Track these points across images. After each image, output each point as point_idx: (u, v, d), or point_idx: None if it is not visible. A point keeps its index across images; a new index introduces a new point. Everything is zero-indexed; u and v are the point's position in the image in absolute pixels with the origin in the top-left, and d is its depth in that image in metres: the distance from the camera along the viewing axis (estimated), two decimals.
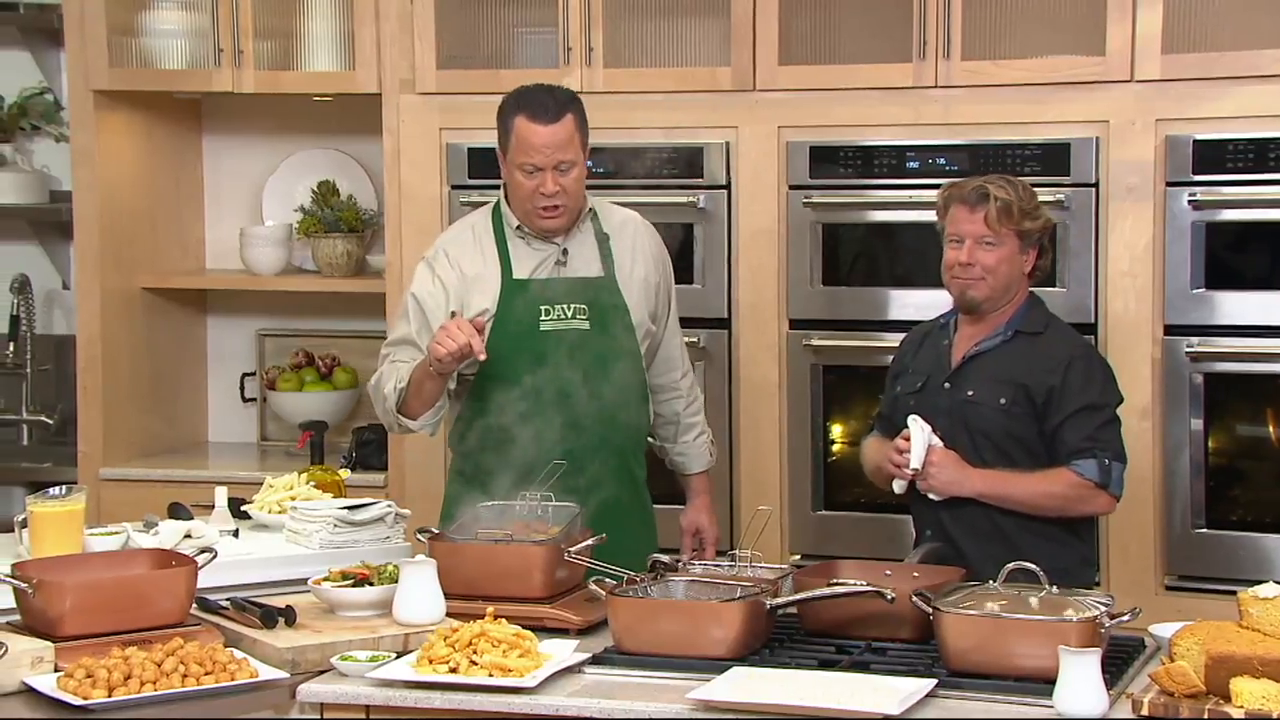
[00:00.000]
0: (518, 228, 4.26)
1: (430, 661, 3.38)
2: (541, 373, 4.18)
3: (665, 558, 3.75)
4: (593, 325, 4.26)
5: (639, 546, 4.09)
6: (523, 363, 4.18)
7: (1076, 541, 4.05)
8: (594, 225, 4.33)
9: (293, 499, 4.25)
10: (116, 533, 3.97)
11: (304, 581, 3.79)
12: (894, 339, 5.00)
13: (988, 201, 4.02)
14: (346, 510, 4.09)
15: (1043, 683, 3.23)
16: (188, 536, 4.03)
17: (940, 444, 3.99)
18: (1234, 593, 3.43)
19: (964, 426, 4.02)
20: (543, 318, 4.23)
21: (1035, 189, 4.13)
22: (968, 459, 4.00)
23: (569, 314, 4.25)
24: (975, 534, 3.97)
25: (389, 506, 4.14)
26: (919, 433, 3.98)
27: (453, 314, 4.17)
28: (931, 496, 4.02)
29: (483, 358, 4.02)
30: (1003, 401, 4.00)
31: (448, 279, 4.25)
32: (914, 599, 3.47)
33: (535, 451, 4.09)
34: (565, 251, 4.28)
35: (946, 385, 4.07)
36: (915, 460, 3.97)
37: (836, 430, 5.21)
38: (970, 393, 4.03)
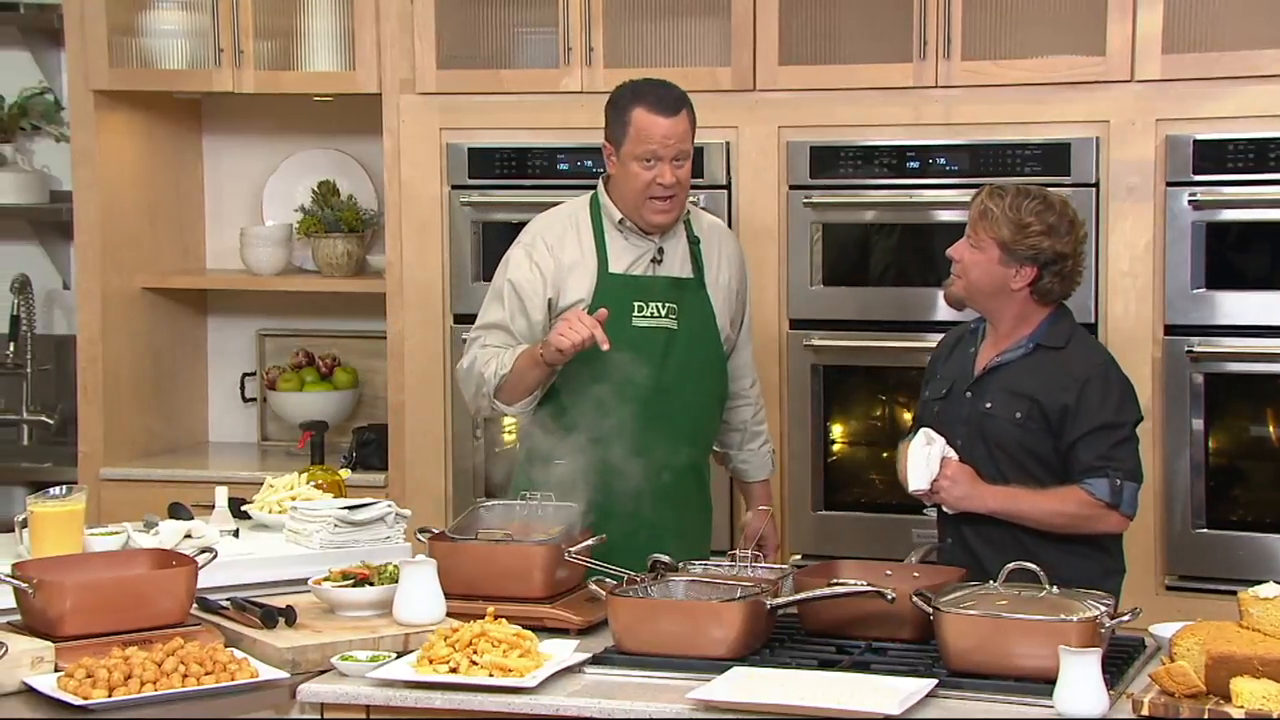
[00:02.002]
0: (620, 221, 4.29)
1: (430, 661, 3.38)
2: (630, 367, 4.19)
3: (665, 558, 3.74)
4: (680, 326, 4.29)
5: (698, 543, 4.21)
6: (612, 355, 4.16)
7: (1101, 554, 4.00)
8: (686, 228, 4.37)
9: (293, 499, 4.25)
10: (116, 533, 3.97)
11: (304, 581, 3.79)
12: (894, 339, 5.02)
13: (975, 200, 4.04)
14: (346, 510, 4.09)
15: (1043, 683, 3.23)
16: (188, 536, 4.03)
17: (955, 457, 3.98)
18: (1234, 593, 3.43)
19: (981, 437, 4.00)
20: (635, 314, 4.26)
21: (1051, 217, 3.99)
22: (985, 470, 3.98)
23: (661, 312, 4.29)
24: (995, 546, 3.93)
25: (389, 506, 4.14)
26: (919, 450, 3.96)
27: (549, 300, 4.22)
28: (945, 509, 4.02)
29: (606, 347, 4.05)
30: (1018, 415, 3.98)
31: (545, 266, 4.26)
32: (914, 599, 3.47)
33: (615, 443, 4.12)
34: (661, 250, 4.32)
35: (968, 394, 4.06)
36: (915, 482, 3.96)
37: (836, 430, 5.21)
38: (988, 404, 4.01)
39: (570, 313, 4.14)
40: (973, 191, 4.10)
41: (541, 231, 4.33)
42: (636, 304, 4.26)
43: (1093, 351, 4.09)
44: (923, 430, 4.00)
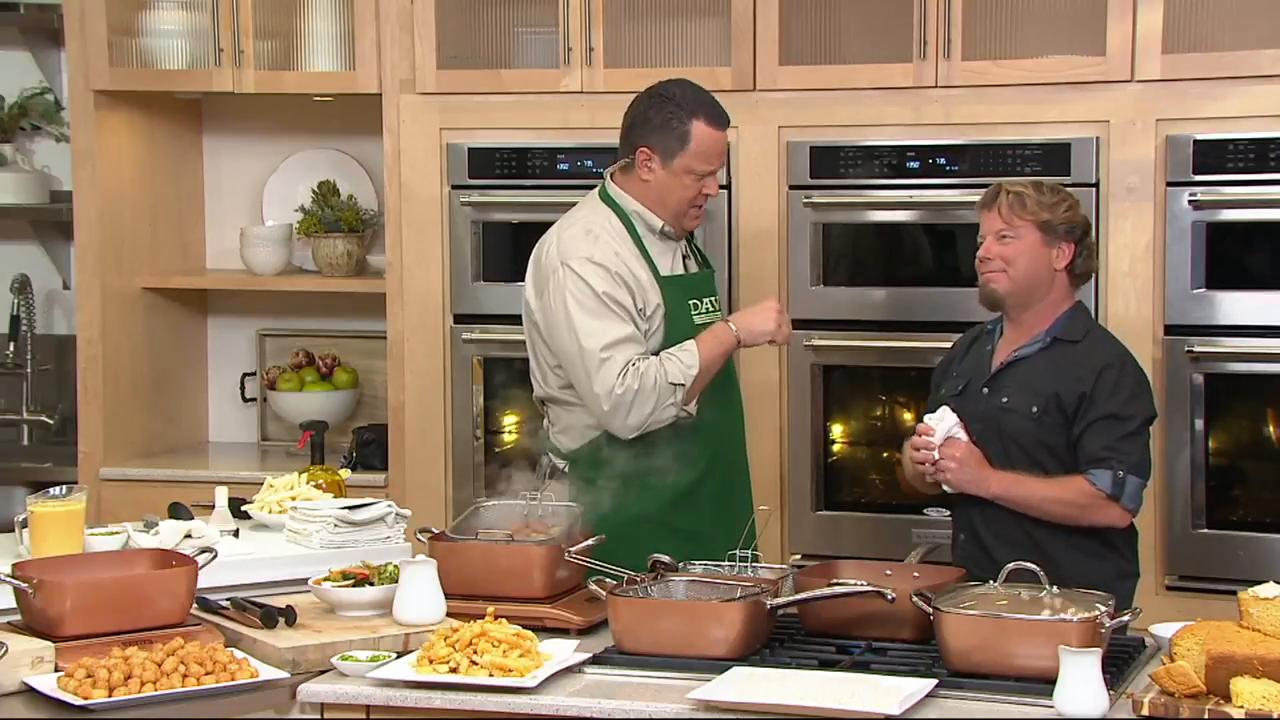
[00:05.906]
0: (661, 228, 4.28)
1: (430, 661, 3.38)
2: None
3: (665, 558, 3.74)
4: (725, 316, 4.39)
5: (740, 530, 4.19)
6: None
7: (1113, 555, 4.00)
8: None
9: (293, 499, 4.25)
10: (117, 533, 3.98)
11: (304, 581, 3.79)
12: (895, 339, 5.02)
13: (999, 197, 4.04)
14: (346, 510, 4.09)
15: (1043, 683, 3.23)
16: (188, 536, 4.03)
17: (965, 438, 3.98)
18: (1234, 593, 3.42)
19: (997, 433, 4.00)
20: (693, 312, 4.30)
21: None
22: (997, 464, 3.99)
23: (715, 307, 4.39)
24: (1008, 542, 3.93)
25: (389, 506, 4.14)
26: (944, 419, 3.98)
27: (640, 310, 4.20)
28: (946, 489, 4.02)
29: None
30: (1034, 410, 3.98)
31: (625, 275, 4.20)
32: (914, 599, 3.47)
33: (694, 439, 4.21)
34: (686, 247, 4.39)
35: (985, 390, 4.06)
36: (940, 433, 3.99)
37: (837, 430, 5.21)
38: (1005, 399, 4.02)
39: (763, 306, 4.28)
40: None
41: (592, 252, 4.18)
42: (692, 303, 4.30)
43: (1110, 344, 4.10)
44: (942, 407, 4.01)
